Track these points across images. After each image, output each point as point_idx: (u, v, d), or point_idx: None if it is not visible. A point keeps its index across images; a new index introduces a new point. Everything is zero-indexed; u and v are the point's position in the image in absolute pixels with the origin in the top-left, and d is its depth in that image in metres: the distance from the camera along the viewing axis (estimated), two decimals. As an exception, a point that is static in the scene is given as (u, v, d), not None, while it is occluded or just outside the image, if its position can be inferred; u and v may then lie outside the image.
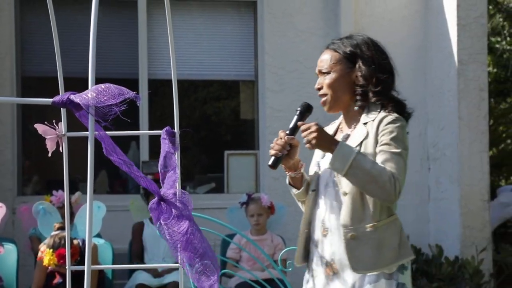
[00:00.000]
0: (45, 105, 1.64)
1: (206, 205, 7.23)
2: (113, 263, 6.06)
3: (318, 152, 3.17)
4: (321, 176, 3.08)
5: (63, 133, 2.12)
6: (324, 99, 3.09)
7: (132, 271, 6.46)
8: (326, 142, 2.90)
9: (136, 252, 6.48)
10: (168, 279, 6.23)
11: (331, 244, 2.97)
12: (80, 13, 7.50)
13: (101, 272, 5.91)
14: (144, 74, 7.55)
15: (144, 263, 6.35)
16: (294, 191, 3.15)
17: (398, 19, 7.77)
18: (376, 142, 2.92)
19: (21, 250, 6.37)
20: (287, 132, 3.02)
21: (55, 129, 2.12)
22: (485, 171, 7.24)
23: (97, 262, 5.76)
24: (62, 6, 7.26)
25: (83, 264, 5.30)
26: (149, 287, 6.23)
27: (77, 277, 5.24)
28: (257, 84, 7.78)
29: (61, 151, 2.14)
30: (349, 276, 2.91)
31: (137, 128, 7.28)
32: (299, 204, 3.24)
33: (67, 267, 2.20)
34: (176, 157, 2.16)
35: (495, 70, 10.96)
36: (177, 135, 2.14)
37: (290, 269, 4.18)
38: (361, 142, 2.94)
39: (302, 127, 2.93)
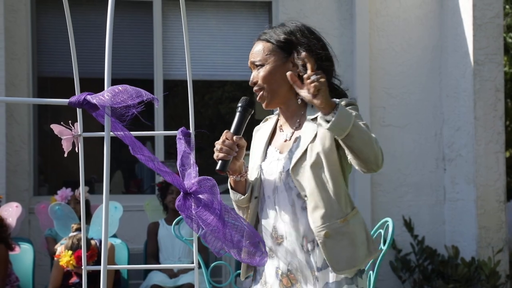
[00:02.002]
0: (61, 106, 1.64)
1: (221, 205, 7.22)
2: (129, 263, 6.07)
3: (257, 155, 2.91)
4: (265, 181, 2.82)
5: (79, 133, 2.13)
6: (260, 94, 2.82)
7: (147, 271, 6.47)
8: (328, 95, 2.55)
9: (152, 252, 6.49)
10: (183, 279, 6.24)
11: (286, 252, 2.73)
12: (96, 13, 7.52)
13: (117, 272, 5.92)
14: (159, 74, 7.56)
15: (159, 264, 6.36)
16: (238, 196, 2.85)
17: (413, 18, 7.74)
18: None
19: (37, 250, 6.40)
20: (232, 131, 2.77)
21: (71, 130, 2.13)
22: (501, 171, 7.21)
23: (114, 262, 5.78)
24: (77, 6, 7.29)
25: (100, 264, 5.31)
26: (164, 287, 6.24)
27: (94, 277, 5.26)
28: (272, 84, 7.76)
29: (77, 151, 2.14)
30: (310, 285, 2.70)
31: (152, 128, 7.29)
32: (240, 211, 2.92)
33: (83, 267, 2.21)
34: (192, 157, 2.16)
35: (511, 70, 10.91)
36: (192, 136, 2.14)
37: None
38: (314, 138, 2.69)
39: (310, 73, 2.52)
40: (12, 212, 5.88)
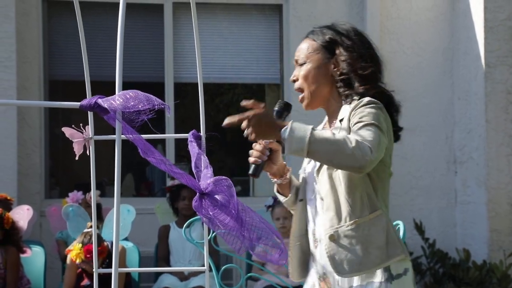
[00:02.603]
0: (72, 109, 1.65)
1: (232, 208, 7.22)
2: (139, 266, 6.08)
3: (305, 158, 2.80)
4: (307, 184, 2.82)
5: (90, 136, 2.14)
6: (301, 95, 2.81)
7: (158, 274, 6.48)
8: (270, 127, 2.53)
9: (162, 255, 6.49)
10: (194, 282, 6.24)
11: (321, 255, 2.72)
12: (107, 17, 7.54)
13: (127, 275, 5.93)
14: (170, 77, 7.58)
15: (170, 266, 6.36)
16: (282, 199, 2.89)
17: (424, 21, 7.73)
18: (349, 129, 2.62)
19: (49, 253, 6.42)
20: None
21: (82, 133, 2.13)
22: (512, 174, 7.19)
23: (125, 265, 5.79)
24: (89, 10, 7.31)
25: (111, 266, 5.32)
26: (175, 290, 6.24)
27: (105, 279, 5.27)
28: (283, 87, 7.77)
29: (88, 154, 2.15)
30: None
31: (162, 131, 7.31)
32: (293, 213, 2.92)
33: (94, 269, 2.21)
34: (203, 160, 2.16)
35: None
36: (203, 139, 2.14)
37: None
38: None
39: (239, 119, 2.55)
40: (23, 215, 5.89)
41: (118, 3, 1.66)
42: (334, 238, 2.63)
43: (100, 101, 1.55)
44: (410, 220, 7.41)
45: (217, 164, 8.28)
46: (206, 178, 1.84)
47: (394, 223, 3.99)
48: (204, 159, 1.93)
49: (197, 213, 1.80)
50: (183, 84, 7.90)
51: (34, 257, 5.97)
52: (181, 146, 7.56)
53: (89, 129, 2.14)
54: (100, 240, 5.47)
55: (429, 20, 7.75)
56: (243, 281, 4.50)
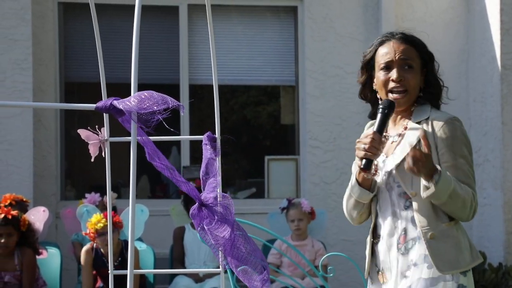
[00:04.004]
0: (88, 111, 1.66)
1: (247, 210, 7.23)
2: (155, 268, 6.09)
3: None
4: (384, 180, 2.88)
5: (106, 138, 2.15)
6: (404, 97, 2.86)
7: (173, 275, 6.49)
8: (428, 168, 2.69)
9: (178, 257, 6.50)
10: (209, 284, 6.24)
11: (381, 251, 2.88)
12: (122, 19, 7.56)
13: (142, 276, 5.94)
14: (185, 79, 7.59)
15: (185, 268, 6.37)
16: (366, 193, 2.87)
17: (439, 23, 7.70)
18: (435, 144, 2.80)
19: (64, 254, 6.44)
20: (375, 131, 2.79)
21: (97, 135, 2.14)
22: (529, 176, 7.14)
23: (139, 267, 5.80)
24: (104, 12, 7.34)
25: (125, 266, 5.34)
26: (190, 291, 6.25)
27: (118, 281, 5.28)
28: (298, 89, 7.77)
29: (103, 156, 2.16)
30: (391, 284, 2.83)
31: (178, 133, 7.31)
32: (357, 207, 2.96)
33: (110, 271, 2.21)
34: (217, 162, 2.17)
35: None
36: (218, 141, 2.14)
37: (332, 274, 4.16)
38: (419, 141, 2.78)
39: (412, 154, 2.67)
40: (39, 217, 5.91)
41: (134, 6, 1.66)
42: (434, 236, 2.77)
43: (115, 102, 1.55)
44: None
45: (232, 165, 8.28)
46: (210, 188, 1.85)
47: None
48: (215, 167, 1.93)
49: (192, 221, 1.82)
50: (198, 86, 7.91)
51: (50, 259, 5.99)
52: (196, 148, 7.56)
53: (105, 131, 2.15)
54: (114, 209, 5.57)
55: (444, 22, 7.72)
56: (268, 275, 4.49)
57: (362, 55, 3.02)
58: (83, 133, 2.13)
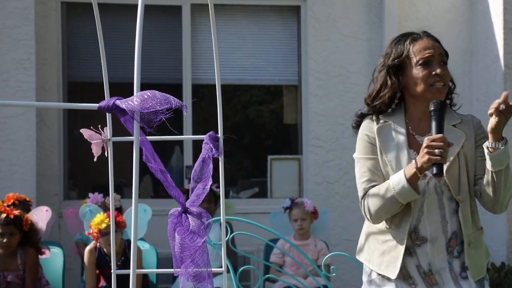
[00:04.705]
0: (91, 110, 1.66)
1: (250, 209, 7.24)
2: (158, 267, 6.09)
3: (402, 158, 2.90)
4: (426, 183, 2.89)
5: (109, 138, 2.14)
6: (444, 88, 2.92)
7: (176, 275, 6.48)
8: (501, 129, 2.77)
9: (180, 256, 6.49)
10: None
11: (427, 254, 2.87)
12: (125, 18, 7.56)
13: (145, 276, 5.95)
14: (188, 79, 7.59)
15: (188, 267, 6.36)
16: (414, 196, 2.82)
17: (442, 22, 7.69)
18: (474, 145, 2.90)
19: (67, 254, 6.44)
20: (443, 135, 2.76)
21: (100, 134, 2.14)
22: (532, 176, 7.13)
23: (141, 266, 5.80)
24: (107, 11, 7.34)
25: (128, 266, 5.34)
26: (193, 291, 6.24)
27: (121, 280, 5.29)
28: (300, 88, 7.77)
29: (106, 155, 2.16)
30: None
31: (180, 132, 7.32)
32: (395, 207, 2.86)
33: (112, 271, 2.21)
34: (220, 162, 2.16)
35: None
36: (221, 141, 2.14)
37: (334, 274, 4.16)
38: (462, 146, 2.87)
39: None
40: (42, 216, 5.92)
41: (136, 5, 1.66)
42: (470, 241, 2.85)
43: (118, 102, 1.55)
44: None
45: (234, 165, 8.28)
46: (196, 194, 1.87)
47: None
48: (210, 168, 1.94)
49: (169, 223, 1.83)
50: (201, 85, 7.91)
51: (52, 258, 5.99)
52: (199, 148, 7.56)
53: (108, 131, 2.15)
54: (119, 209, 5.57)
55: (447, 22, 7.71)
56: (261, 283, 4.49)
57: (384, 59, 3.01)
58: (85, 132, 2.13)
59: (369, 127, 2.99)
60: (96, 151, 2.13)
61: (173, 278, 6.56)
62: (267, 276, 5.43)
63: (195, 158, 7.62)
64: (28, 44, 7.03)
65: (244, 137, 8.36)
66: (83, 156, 7.72)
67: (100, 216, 5.56)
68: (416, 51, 2.92)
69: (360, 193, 2.94)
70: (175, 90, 7.51)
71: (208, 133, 2.13)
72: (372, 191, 2.89)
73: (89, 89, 7.90)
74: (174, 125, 1.76)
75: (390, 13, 7.53)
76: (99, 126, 2.16)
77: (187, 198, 1.93)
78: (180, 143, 7.74)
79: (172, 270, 2.65)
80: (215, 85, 2.22)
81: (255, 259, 6.49)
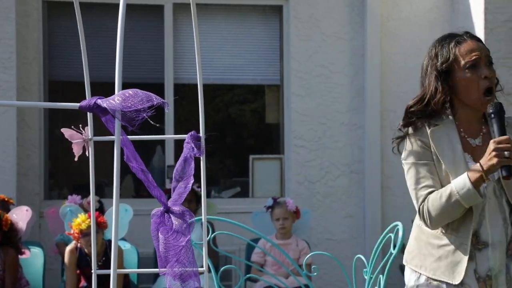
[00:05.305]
0: (72, 110, 1.65)
1: (231, 209, 7.23)
2: (139, 267, 6.08)
3: (458, 161, 2.87)
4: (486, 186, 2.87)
5: (90, 137, 2.13)
6: (493, 90, 2.92)
7: (157, 275, 6.47)
8: None
9: (162, 256, 6.48)
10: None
11: (489, 258, 2.84)
12: (107, 18, 7.54)
13: (126, 276, 5.93)
14: (170, 78, 7.58)
15: (169, 267, 6.35)
16: (478, 199, 2.81)
17: (425, 22, 7.72)
18: None
19: (48, 254, 6.41)
20: (509, 137, 2.78)
21: (81, 134, 2.13)
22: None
23: (122, 266, 5.79)
24: (89, 11, 7.31)
25: (109, 266, 5.32)
26: (175, 291, 6.23)
27: (102, 280, 5.27)
28: (283, 88, 7.77)
29: (87, 155, 2.15)
30: None
31: (162, 132, 7.30)
32: (454, 216, 2.84)
33: (93, 271, 2.20)
34: (202, 161, 2.16)
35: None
36: (203, 140, 2.13)
37: (316, 273, 4.17)
38: None
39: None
40: (22, 216, 5.89)
41: (118, 4, 1.66)
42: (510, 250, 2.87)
43: (99, 101, 1.55)
44: (409, 221, 7.38)
45: (216, 165, 8.28)
46: (178, 193, 1.87)
47: (393, 224, 3.99)
48: (191, 167, 1.94)
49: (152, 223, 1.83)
50: (183, 85, 7.89)
51: (33, 258, 5.96)
52: (181, 148, 7.55)
53: (89, 130, 2.14)
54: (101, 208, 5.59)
55: (429, 21, 7.74)
56: (242, 282, 4.49)
57: (431, 62, 2.96)
58: (66, 132, 2.12)
59: (420, 131, 2.93)
60: (77, 150, 2.11)
61: (154, 278, 6.54)
62: (248, 275, 5.43)
63: (177, 158, 7.58)
64: (9, 43, 6.98)
65: (226, 136, 8.35)
66: (64, 155, 7.68)
67: (81, 217, 5.54)
68: (462, 54, 2.88)
69: (419, 199, 2.91)
70: (157, 89, 7.48)
71: (190, 133, 2.13)
72: (432, 196, 2.86)
73: (71, 88, 7.87)
74: (157, 125, 1.75)
75: (372, 13, 7.55)
76: (80, 125, 2.15)
77: (169, 197, 1.92)
78: (162, 142, 7.72)
79: (152, 270, 2.64)
80: (197, 84, 2.22)
81: (236, 258, 6.49)
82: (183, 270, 1.79)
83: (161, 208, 1.81)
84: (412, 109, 2.95)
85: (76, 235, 5.56)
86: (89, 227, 5.43)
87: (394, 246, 3.85)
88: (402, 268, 7.41)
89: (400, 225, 4.12)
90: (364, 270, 4.06)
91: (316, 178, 7.53)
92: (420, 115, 2.92)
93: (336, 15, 7.64)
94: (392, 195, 7.55)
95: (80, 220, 5.50)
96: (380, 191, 7.49)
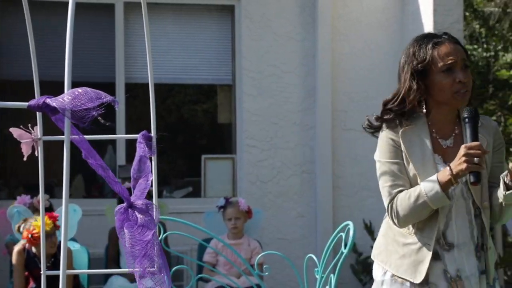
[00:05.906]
0: (21, 109, 1.63)
1: (183, 209, 7.21)
2: (89, 268, 6.02)
3: (427, 162, 2.90)
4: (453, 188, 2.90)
5: (39, 137, 2.11)
6: (467, 96, 2.89)
7: (108, 276, 6.43)
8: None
9: (112, 257, 6.44)
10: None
11: (456, 259, 2.87)
12: (57, 16, 7.45)
13: (76, 277, 5.87)
14: (121, 77, 7.52)
15: (120, 268, 6.32)
16: (446, 202, 2.84)
17: (375, 23, 7.79)
18: (491, 151, 2.91)
19: (-4, 255, 6.32)
20: (481, 143, 2.78)
21: (30, 133, 2.10)
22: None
23: (72, 267, 5.73)
24: (38, 9, 7.21)
25: (58, 267, 5.27)
26: (126, 291, 6.20)
27: (51, 281, 5.21)
28: (234, 88, 7.77)
29: (36, 155, 2.12)
30: None
31: (113, 132, 7.25)
32: (424, 212, 2.86)
33: (42, 272, 2.18)
34: (153, 161, 2.15)
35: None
36: (154, 139, 2.13)
37: (267, 273, 4.18)
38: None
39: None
40: (-30, 217, 5.80)
41: (68, 3, 1.64)
42: (490, 246, 2.92)
43: (48, 100, 1.53)
44: (360, 221, 7.46)
45: (168, 165, 8.24)
46: (139, 189, 1.86)
47: (344, 223, 4.02)
48: (147, 165, 1.93)
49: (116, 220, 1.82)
50: (135, 84, 7.85)
51: (-19, 260, 5.87)
52: (132, 147, 7.51)
53: (38, 130, 2.11)
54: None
55: (380, 22, 7.81)
56: (194, 282, 4.48)
57: (407, 60, 2.97)
58: (15, 132, 2.09)
59: (393, 130, 2.96)
60: (26, 150, 2.09)
61: (104, 278, 6.49)
62: (200, 275, 5.42)
63: (128, 157, 7.56)
64: (-44, 41, 6.87)
65: (178, 136, 8.33)
66: (13, 155, 7.58)
67: (39, 219, 5.43)
68: (438, 57, 2.88)
69: (387, 197, 2.92)
70: (108, 89, 7.42)
71: (141, 132, 2.12)
72: (401, 195, 2.88)
73: (20, 87, 7.76)
74: (108, 124, 1.74)
75: (323, 13, 7.60)
76: (29, 125, 2.13)
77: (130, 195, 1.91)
78: (113, 142, 7.66)
79: (102, 270, 2.61)
80: (148, 84, 2.21)
81: (188, 258, 6.47)
82: (148, 266, 1.78)
83: (124, 205, 1.79)
84: (388, 106, 3.00)
85: (35, 236, 5.44)
86: (51, 228, 5.37)
87: (345, 246, 3.87)
88: (353, 267, 7.50)
89: (351, 225, 4.15)
90: (316, 269, 4.08)
91: (268, 178, 7.55)
92: (396, 112, 2.97)
93: (287, 15, 7.67)
94: (343, 195, 7.61)
95: (39, 223, 5.39)
96: (331, 191, 7.54)
